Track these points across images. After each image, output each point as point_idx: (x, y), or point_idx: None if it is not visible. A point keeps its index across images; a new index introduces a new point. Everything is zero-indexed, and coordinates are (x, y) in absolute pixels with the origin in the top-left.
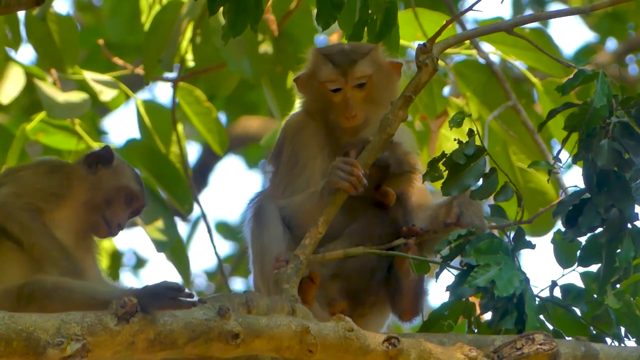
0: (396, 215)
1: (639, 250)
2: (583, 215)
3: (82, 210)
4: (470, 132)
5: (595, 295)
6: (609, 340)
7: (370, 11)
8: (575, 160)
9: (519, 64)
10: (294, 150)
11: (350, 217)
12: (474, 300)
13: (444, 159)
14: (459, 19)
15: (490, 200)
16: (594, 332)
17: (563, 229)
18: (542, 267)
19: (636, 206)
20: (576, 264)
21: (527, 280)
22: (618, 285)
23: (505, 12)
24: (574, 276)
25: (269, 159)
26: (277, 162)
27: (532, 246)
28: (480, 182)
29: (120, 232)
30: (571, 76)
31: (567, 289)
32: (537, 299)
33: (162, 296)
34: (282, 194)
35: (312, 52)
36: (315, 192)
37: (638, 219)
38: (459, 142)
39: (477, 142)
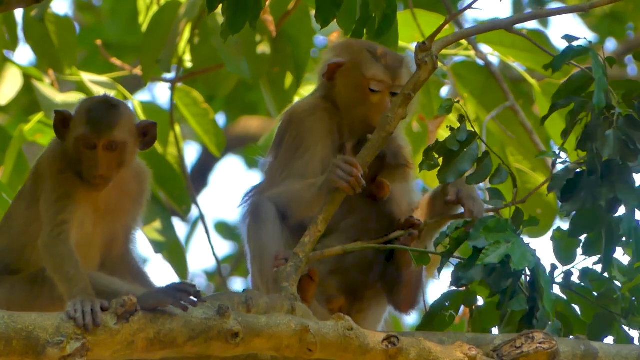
0: (391, 209)
1: None
2: (586, 190)
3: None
4: (461, 118)
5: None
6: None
7: (369, 8)
8: (579, 145)
9: (517, 65)
10: (298, 133)
11: (346, 211)
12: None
13: (438, 147)
14: (457, 20)
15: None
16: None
17: (560, 205)
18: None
19: None
20: (575, 256)
21: (537, 257)
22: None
23: (505, 12)
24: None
25: (270, 149)
26: (278, 149)
27: (536, 223)
28: (474, 167)
29: (106, 175)
30: (560, 52)
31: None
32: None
33: (170, 296)
34: (279, 176)
35: (356, 44)
36: (314, 184)
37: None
38: (451, 129)
39: (468, 127)
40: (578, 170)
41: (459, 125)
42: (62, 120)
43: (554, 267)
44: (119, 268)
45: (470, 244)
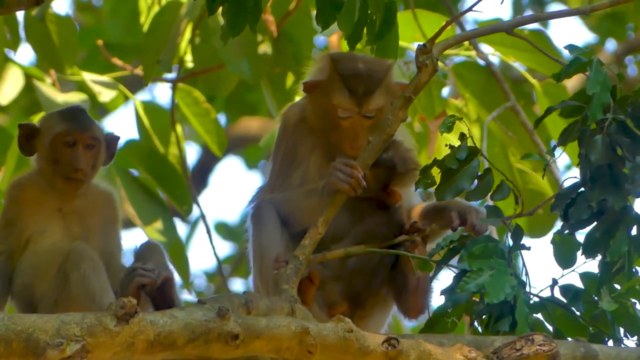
0: (401, 216)
1: (634, 244)
2: (575, 206)
3: (50, 191)
4: (462, 136)
5: (594, 297)
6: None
7: (369, 11)
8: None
9: (518, 65)
10: (292, 145)
11: (355, 219)
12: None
13: (437, 164)
14: (458, 21)
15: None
16: (592, 331)
17: (561, 225)
18: (543, 265)
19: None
20: (576, 264)
21: (521, 283)
22: (618, 287)
23: (505, 12)
24: (574, 277)
25: (271, 152)
26: (275, 156)
27: (527, 248)
28: (475, 183)
29: (86, 171)
30: (566, 63)
31: (566, 289)
32: (536, 298)
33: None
34: (278, 188)
35: (328, 63)
36: (314, 190)
37: (631, 214)
38: (451, 147)
39: (470, 144)
40: (582, 189)
41: (460, 142)
42: (27, 134)
43: (554, 282)
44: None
45: (459, 265)
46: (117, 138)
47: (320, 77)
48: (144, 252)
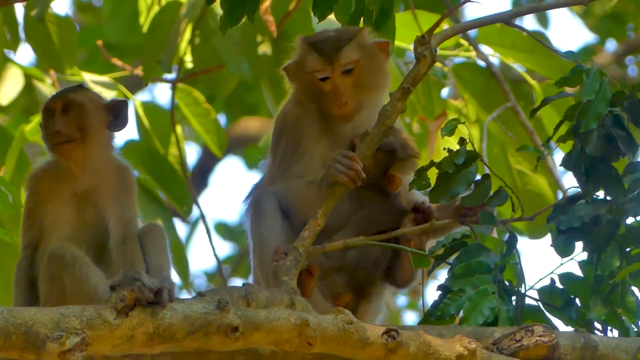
0: (402, 202)
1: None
2: (566, 215)
3: (65, 176)
4: (462, 141)
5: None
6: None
7: (366, 2)
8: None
9: (518, 66)
10: (295, 138)
11: (357, 206)
12: None
13: (434, 166)
14: (457, 18)
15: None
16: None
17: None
18: (542, 260)
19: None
20: (574, 254)
21: (508, 293)
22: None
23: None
24: (573, 265)
25: (269, 149)
26: (275, 151)
27: (518, 260)
28: (472, 188)
29: (65, 132)
30: (569, 72)
31: (567, 277)
32: (531, 301)
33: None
34: (280, 178)
35: (300, 40)
36: (314, 181)
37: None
38: (449, 150)
39: (469, 148)
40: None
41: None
42: None
43: (553, 282)
44: (117, 254)
45: (445, 283)
46: (124, 102)
47: (296, 57)
48: (146, 238)
